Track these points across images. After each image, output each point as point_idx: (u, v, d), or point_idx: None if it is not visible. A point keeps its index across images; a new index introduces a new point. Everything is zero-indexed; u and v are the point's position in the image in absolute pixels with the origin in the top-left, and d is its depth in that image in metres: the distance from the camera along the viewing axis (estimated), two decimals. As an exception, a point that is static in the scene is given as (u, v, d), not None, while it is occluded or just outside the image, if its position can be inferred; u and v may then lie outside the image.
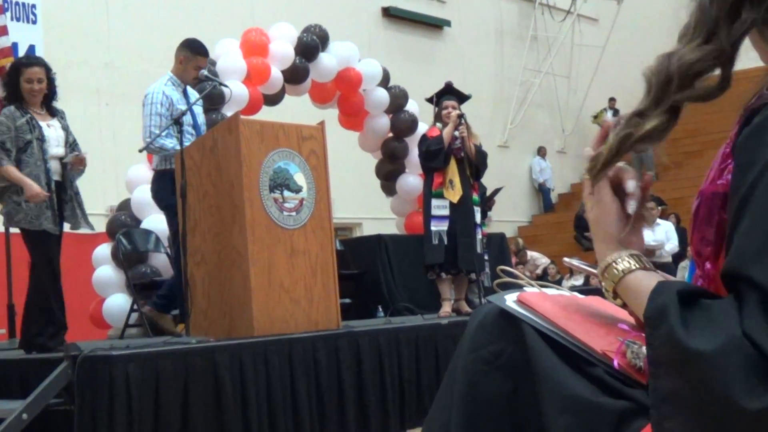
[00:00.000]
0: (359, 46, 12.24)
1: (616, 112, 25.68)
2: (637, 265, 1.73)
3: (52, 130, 7.40)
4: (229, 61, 10.58)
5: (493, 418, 1.80)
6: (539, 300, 1.88)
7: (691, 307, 1.47)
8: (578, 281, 17.29)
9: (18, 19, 14.66)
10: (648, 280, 1.64)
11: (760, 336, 1.35)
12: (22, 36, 14.38)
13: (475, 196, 9.28)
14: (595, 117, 25.98)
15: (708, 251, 1.60)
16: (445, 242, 8.92)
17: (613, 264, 1.74)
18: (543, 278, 18.76)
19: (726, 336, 1.38)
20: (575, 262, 2.01)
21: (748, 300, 1.39)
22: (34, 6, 15.01)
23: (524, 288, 2.01)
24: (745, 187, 1.44)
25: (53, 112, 7.53)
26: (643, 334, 1.70)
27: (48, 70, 7.52)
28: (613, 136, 1.69)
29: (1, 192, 7.24)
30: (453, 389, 1.86)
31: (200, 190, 7.28)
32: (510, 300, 1.88)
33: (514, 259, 17.98)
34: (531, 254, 20.27)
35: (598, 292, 1.98)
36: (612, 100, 25.95)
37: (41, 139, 7.24)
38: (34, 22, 15.01)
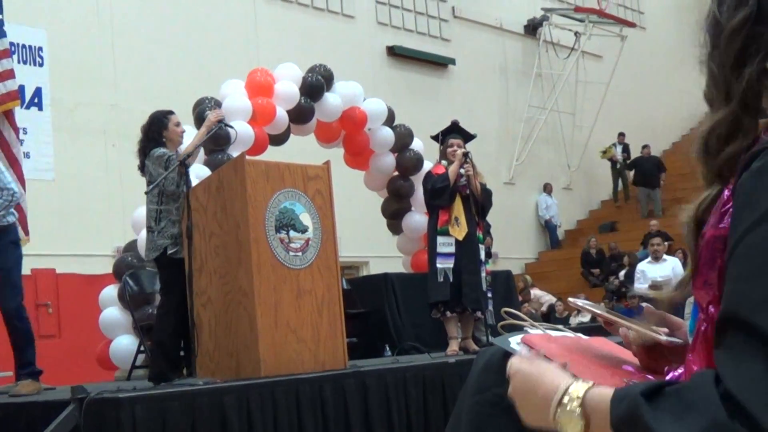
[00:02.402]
0: (364, 86, 12.28)
1: (625, 148, 25.71)
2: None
3: None
4: (234, 101, 10.61)
5: None
6: (544, 342, 1.88)
7: (658, 400, 1.42)
8: (585, 318, 17.24)
9: (25, 62, 14.77)
10: (608, 390, 1.53)
11: (754, 398, 1.32)
12: (28, 78, 14.50)
13: (480, 234, 9.28)
14: (604, 152, 25.98)
15: (711, 295, 1.60)
16: (450, 279, 8.91)
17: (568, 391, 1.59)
18: (550, 316, 18.73)
19: (707, 421, 1.34)
20: (580, 302, 2.01)
21: (743, 349, 1.37)
22: (41, 48, 15.12)
23: (528, 330, 2.02)
24: (740, 231, 1.44)
25: None
26: (649, 375, 1.70)
27: None
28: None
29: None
30: (459, 430, 1.86)
31: (206, 230, 7.29)
32: (514, 342, 1.89)
33: (520, 297, 17.96)
34: (534, 292, 20.26)
35: (605, 331, 1.98)
36: (621, 135, 26.01)
37: None
38: (41, 65, 15.11)
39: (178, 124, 8.06)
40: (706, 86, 1.69)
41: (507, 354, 1.87)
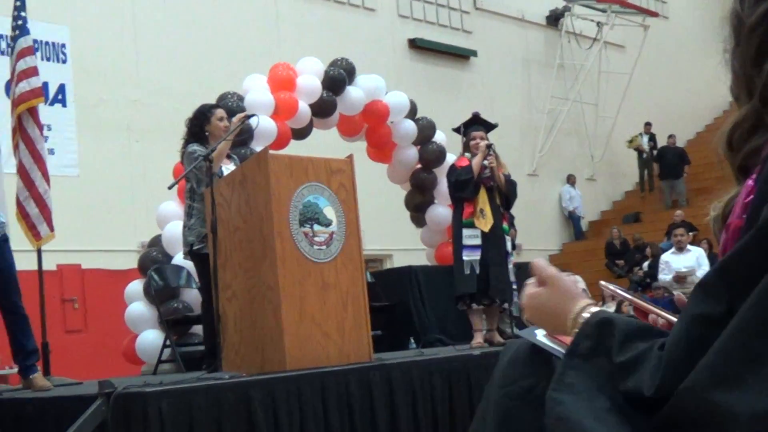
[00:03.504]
0: (386, 79, 12.29)
1: (652, 137, 25.58)
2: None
3: None
4: (256, 96, 10.63)
5: None
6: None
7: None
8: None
9: (48, 59, 14.84)
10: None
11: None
12: (52, 75, 14.56)
13: (505, 226, 9.27)
14: (630, 141, 25.88)
15: None
16: (477, 272, 8.91)
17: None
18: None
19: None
20: (611, 286, 2.01)
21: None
22: (63, 45, 15.19)
23: None
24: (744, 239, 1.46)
25: None
26: None
27: None
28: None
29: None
30: (485, 423, 1.87)
31: (230, 225, 7.30)
32: (540, 335, 1.89)
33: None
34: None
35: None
36: (648, 125, 25.88)
37: None
38: (64, 62, 15.18)
39: (222, 119, 8.12)
40: (731, 82, 1.69)
41: (533, 346, 1.88)
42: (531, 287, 1.89)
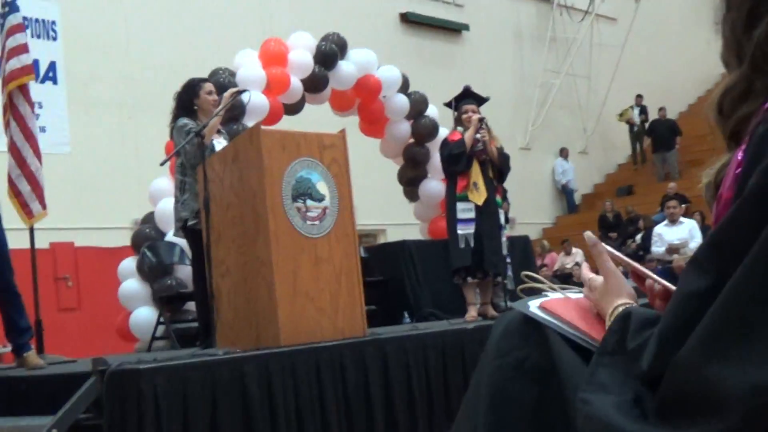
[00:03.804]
0: (378, 53, 12.25)
1: (643, 110, 25.57)
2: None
3: None
4: (248, 71, 10.60)
5: (519, 423, 1.82)
6: (563, 306, 1.89)
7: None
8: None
9: (38, 36, 14.75)
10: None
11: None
12: (43, 53, 14.47)
13: (499, 199, 9.26)
14: (621, 115, 25.90)
15: None
16: (472, 245, 8.90)
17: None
18: (568, 280, 18.70)
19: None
20: (608, 248, 2.01)
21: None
22: (53, 22, 15.10)
23: (547, 294, 2.02)
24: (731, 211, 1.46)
25: None
26: None
27: None
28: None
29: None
30: (479, 395, 1.87)
31: (223, 201, 7.28)
32: (534, 306, 1.89)
33: (539, 261, 17.95)
34: (576, 250, 20.31)
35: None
36: (639, 96, 25.89)
37: None
38: (55, 39, 15.10)
39: (210, 93, 8.09)
40: (722, 48, 1.68)
41: (526, 318, 1.88)
42: (590, 272, 1.96)
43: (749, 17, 1.58)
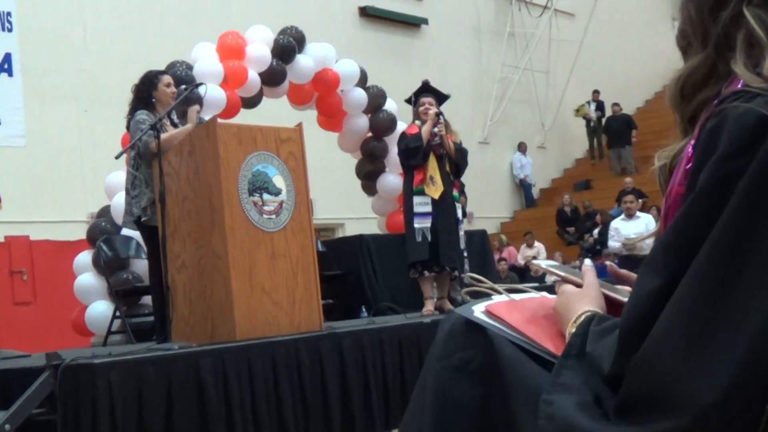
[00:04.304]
0: (336, 47, 12.21)
1: (599, 105, 25.69)
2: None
3: None
4: (205, 64, 10.54)
5: (463, 423, 1.82)
6: (507, 310, 1.89)
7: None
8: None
9: (-7, 28, 14.61)
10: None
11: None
12: (-3, 44, 14.34)
13: (456, 193, 9.27)
14: (577, 110, 26.02)
15: None
16: (429, 239, 8.91)
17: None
18: (525, 273, 18.75)
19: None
20: (543, 264, 2.01)
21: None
22: (9, 14, 14.96)
23: (492, 297, 2.01)
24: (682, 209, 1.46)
25: None
26: None
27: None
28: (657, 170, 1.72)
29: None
30: (425, 395, 1.87)
31: (179, 194, 7.25)
32: (478, 311, 1.89)
33: (497, 255, 18.00)
34: (538, 244, 20.48)
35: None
36: (596, 92, 26.01)
37: None
38: (10, 30, 14.96)
39: (168, 85, 8.09)
40: (679, 31, 1.66)
41: (470, 321, 1.87)
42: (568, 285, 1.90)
43: (716, 0, 1.57)
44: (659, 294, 1.43)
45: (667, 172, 1.66)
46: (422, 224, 8.94)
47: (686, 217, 1.42)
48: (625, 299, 1.81)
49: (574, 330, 1.71)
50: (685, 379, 1.34)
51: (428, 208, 8.95)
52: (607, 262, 2.23)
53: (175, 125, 8.13)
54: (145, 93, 8.01)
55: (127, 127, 8.04)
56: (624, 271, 1.99)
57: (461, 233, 9.25)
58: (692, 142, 1.54)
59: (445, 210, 9.01)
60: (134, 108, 7.96)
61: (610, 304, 1.82)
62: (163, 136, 7.37)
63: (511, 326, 1.84)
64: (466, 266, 9.48)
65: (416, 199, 9.01)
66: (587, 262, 1.92)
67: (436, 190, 8.96)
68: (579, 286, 1.85)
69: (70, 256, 10.82)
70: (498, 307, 1.90)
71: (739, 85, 1.49)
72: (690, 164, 1.51)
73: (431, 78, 10.08)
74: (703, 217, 1.39)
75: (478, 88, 24.40)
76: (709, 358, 1.34)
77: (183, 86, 8.36)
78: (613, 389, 1.50)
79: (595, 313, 1.71)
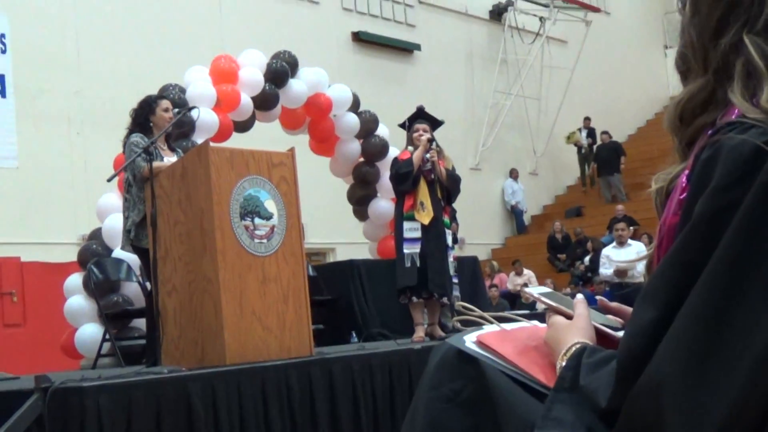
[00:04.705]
0: (329, 72, 12.25)
1: (590, 132, 25.76)
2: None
3: None
4: (198, 88, 10.55)
5: None
6: (499, 341, 1.89)
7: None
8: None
9: (-13, 49, 14.62)
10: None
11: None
12: (-10, 66, 14.35)
13: (446, 219, 9.28)
14: (568, 137, 26.08)
15: None
16: (418, 264, 8.91)
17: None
18: (516, 301, 18.73)
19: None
20: (535, 292, 2.00)
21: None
22: (3, 35, 14.99)
23: (483, 326, 2.01)
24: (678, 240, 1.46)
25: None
26: None
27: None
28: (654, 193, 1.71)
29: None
30: (415, 426, 1.86)
31: (170, 218, 7.24)
32: (469, 341, 1.88)
33: (488, 282, 18.00)
34: (527, 272, 20.41)
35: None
36: (587, 119, 26.10)
37: None
38: (4, 52, 14.98)
39: (167, 110, 8.11)
40: (678, 55, 1.67)
41: (461, 351, 1.87)
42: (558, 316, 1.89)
43: (718, 25, 1.57)
44: (657, 325, 1.42)
45: (663, 195, 1.66)
46: (411, 249, 8.96)
47: (682, 248, 1.43)
48: (616, 332, 1.81)
49: (564, 363, 1.70)
50: (686, 410, 1.34)
51: (418, 234, 8.97)
52: (598, 297, 2.24)
53: (172, 149, 8.15)
54: (142, 117, 8.04)
55: (123, 150, 8.06)
56: (615, 304, 1.98)
57: (451, 259, 9.25)
58: (686, 171, 1.54)
59: (434, 236, 9.02)
60: (131, 132, 7.98)
61: (600, 336, 1.82)
62: (155, 164, 7.38)
63: (503, 357, 1.83)
64: (456, 292, 9.47)
65: (406, 225, 9.03)
66: (579, 296, 1.91)
67: (426, 215, 8.98)
68: (569, 316, 1.85)
69: (60, 278, 10.80)
70: (489, 338, 1.89)
71: (734, 115, 1.50)
72: (684, 194, 1.51)
73: (424, 103, 10.08)
74: (700, 249, 1.40)
75: (470, 114, 24.45)
76: (710, 390, 1.33)
77: (176, 110, 8.35)
78: (607, 424, 1.50)
79: (586, 345, 1.70)
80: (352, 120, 12.11)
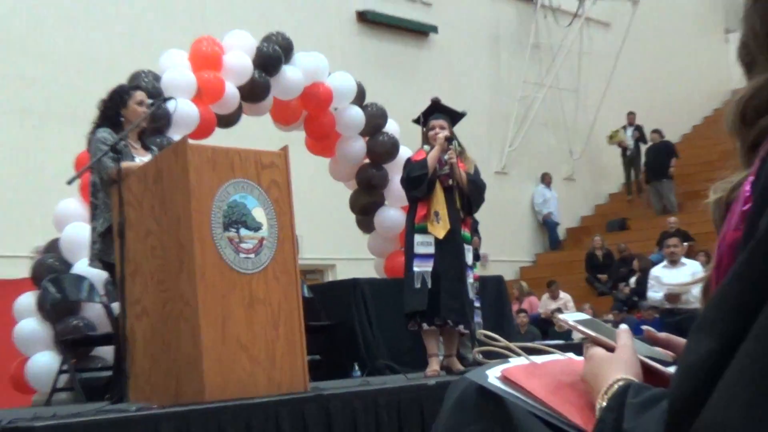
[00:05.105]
0: (329, 58, 12.26)
1: (637, 129, 25.62)
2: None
3: None
4: (175, 75, 10.57)
5: None
6: (527, 376, 1.88)
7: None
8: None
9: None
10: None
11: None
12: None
13: (466, 233, 9.21)
14: (611, 137, 25.98)
15: None
16: (429, 286, 8.85)
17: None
18: (548, 329, 18.70)
19: None
20: (570, 320, 1.99)
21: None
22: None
23: (509, 358, 2.00)
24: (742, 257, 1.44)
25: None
26: None
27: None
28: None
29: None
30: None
31: (141, 228, 7.25)
32: (492, 376, 1.87)
33: (515, 307, 17.98)
34: (564, 295, 20.35)
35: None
36: (631, 114, 25.95)
37: None
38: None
39: (141, 103, 8.14)
40: (741, 45, 1.66)
41: (482, 389, 1.86)
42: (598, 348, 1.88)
43: None
44: (716, 359, 1.40)
45: (723, 208, 1.65)
46: (422, 268, 8.89)
47: (745, 268, 1.41)
48: (666, 367, 1.80)
49: (605, 403, 1.69)
50: None
51: (430, 249, 8.91)
52: (644, 327, 2.20)
53: (146, 148, 8.15)
54: (112, 111, 8.03)
55: (88, 148, 8.05)
56: (664, 334, 1.97)
57: (471, 280, 9.20)
58: (750, 178, 1.53)
59: (450, 252, 8.96)
60: (98, 126, 7.97)
61: (648, 372, 1.81)
62: (124, 164, 7.36)
63: (532, 395, 1.83)
64: (478, 318, 9.46)
65: (417, 238, 8.98)
66: (623, 325, 1.90)
67: (441, 228, 8.92)
68: (611, 348, 1.84)
69: (10, 298, 10.79)
70: (516, 372, 1.89)
71: None
72: (748, 206, 1.50)
73: (441, 95, 10.09)
74: (764, 273, 1.38)
75: (495, 109, 24.45)
76: None
77: (150, 100, 8.35)
78: None
79: (631, 382, 1.69)
80: (356, 114, 12.13)
